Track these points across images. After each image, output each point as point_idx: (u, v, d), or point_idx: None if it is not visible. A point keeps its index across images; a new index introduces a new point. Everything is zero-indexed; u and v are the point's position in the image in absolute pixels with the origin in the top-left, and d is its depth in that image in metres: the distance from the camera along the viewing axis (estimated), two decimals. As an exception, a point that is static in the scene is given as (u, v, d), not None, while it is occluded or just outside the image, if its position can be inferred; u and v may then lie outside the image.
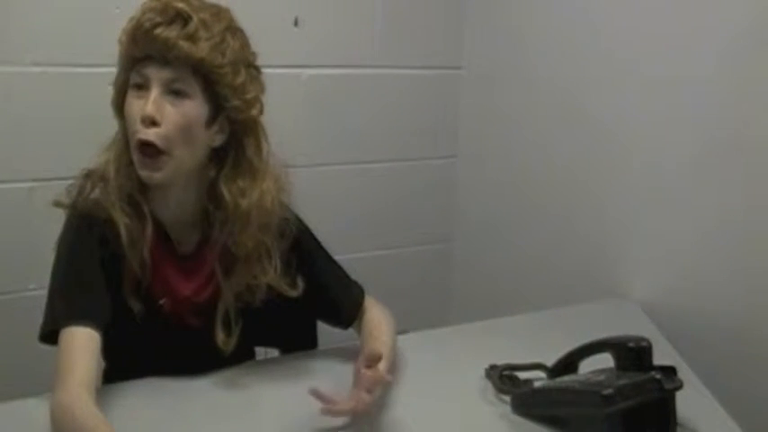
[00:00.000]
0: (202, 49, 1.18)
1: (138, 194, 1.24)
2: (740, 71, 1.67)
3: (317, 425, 1.19)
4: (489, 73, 2.24)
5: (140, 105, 1.19)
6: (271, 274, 1.29)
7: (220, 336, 1.27)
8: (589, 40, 1.96)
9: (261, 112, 1.27)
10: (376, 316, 1.41)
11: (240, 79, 1.22)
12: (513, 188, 2.19)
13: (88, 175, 1.26)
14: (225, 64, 1.20)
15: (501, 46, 2.19)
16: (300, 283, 1.31)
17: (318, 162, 2.09)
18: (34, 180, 1.75)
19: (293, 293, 1.31)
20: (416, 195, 2.30)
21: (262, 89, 1.27)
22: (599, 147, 1.96)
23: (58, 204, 1.26)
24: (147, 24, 1.17)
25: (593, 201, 1.99)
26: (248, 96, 1.24)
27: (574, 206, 2.03)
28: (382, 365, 1.21)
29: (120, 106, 1.24)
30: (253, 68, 1.26)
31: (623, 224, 1.93)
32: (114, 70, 1.73)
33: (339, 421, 1.18)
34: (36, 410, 1.12)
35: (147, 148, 1.19)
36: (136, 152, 1.20)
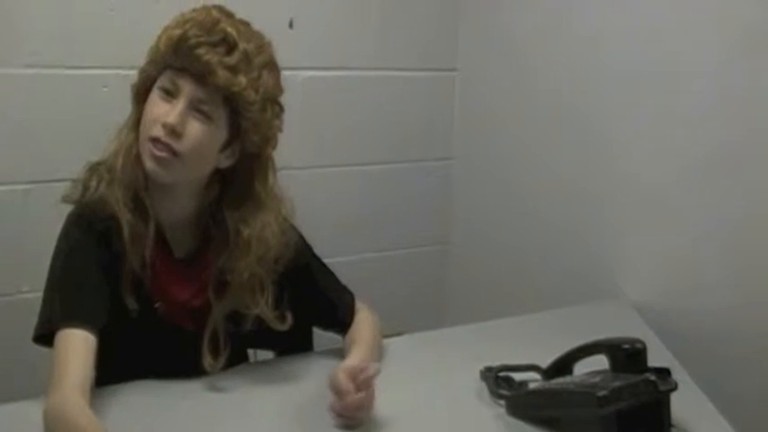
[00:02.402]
0: (239, 83, 1.18)
1: (144, 192, 1.24)
2: (739, 73, 1.67)
3: (312, 427, 1.19)
4: (484, 75, 2.24)
5: (165, 110, 1.19)
6: (261, 306, 1.29)
7: (207, 359, 1.27)
8: (584, 42, 1.96)
9: (275, 147, 1.28)
10: (361, 324, 1.41)
11: (266, 116, 1.23)
12: (509, 190, 2.20)
13: (94, 168, 1.26)
14: (256, 101, 1.20)
15: (496, 48, 2.20)
16: (289, 317, 1.32)
17: (314, 164, 2.09)
18: (29, 182, 1.75)
19: (281, 328, 1.31)
20: (412, 197, 2.30)
21: (280, 126, 1.28)
22: (594, 148, 1.97)
23: (66, 199, 1.26)
24: (193, 41, 1.17)
25: (588, 203, 1.99)
26: (269, 134, 1.25)
27: (569, 208, 2.03)
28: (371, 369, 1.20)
29: (140, 95, 1.24)
30: (278, 106, 1.27)
31: (618, 226, 1.93)
32: (109, 72, 1.75)
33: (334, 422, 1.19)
34: (30, 413, 1.12)
35: (160, 143, 1.19)
36: (147, 143, 1.20)
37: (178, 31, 1.18)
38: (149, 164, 1.20)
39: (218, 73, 1.17)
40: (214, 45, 1.18)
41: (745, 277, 1.69)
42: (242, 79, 1.18)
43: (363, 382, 1.17)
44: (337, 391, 1.19)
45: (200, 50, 1.17)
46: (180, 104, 1.19)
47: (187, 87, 1.19)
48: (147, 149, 1.20)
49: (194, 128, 1.19)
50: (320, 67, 2.07)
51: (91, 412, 1.08)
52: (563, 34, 2.01)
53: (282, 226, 1.31)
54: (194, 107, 1.19)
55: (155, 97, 1.21)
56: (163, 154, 1.19)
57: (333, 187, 2.15)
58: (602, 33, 1.92)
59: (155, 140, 1.19)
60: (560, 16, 2.02)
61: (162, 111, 1.19)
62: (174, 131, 1.18)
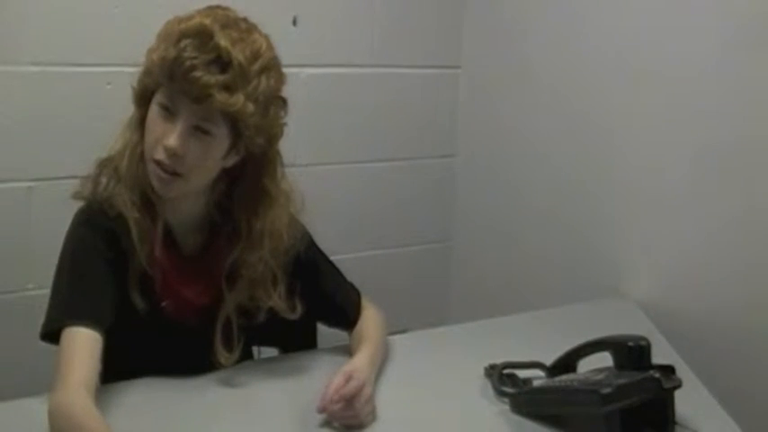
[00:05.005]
0: (237, 102, 1.16)
1: (151, 191, 1.24)
2: (741, 70, 1.67)
3: (316, 424, 1.19)
4: (487, 72, 2.24)
5: (165, 130, 1.18)
6: (274, 299, 1.30)
7: (222, 352, 1.27)
8: (587, 40, 1.96)
9: (281, 137, 1.27)
10: (367, 322, 1.42)
11: (268, 118, 1.22)
12: (512, 187, 2.20)
13: (103, 164, 1.26)
14: (255, 112, 1.19)
15: (499, 45, 2.19)
16: (299, 306, 1.32)
17: (317, 161, 2.09)
18: (33, 180, 1.75)
19: (292, 317, 1.32)
20: (415, 195, 2.31)
21: (285, 118, 1.27)
22: (597, 146, 1.97)
23: (77, 196, 1.26)
24: (187, 64, 1.15)
25: (591, 200, 1.99)
26: (272, 132, 1.25)
27: (572, 205, 2.03)
28: (353, 384, 1.21)
29: (141, 100, 1.23)
30: (280, 100, 1.25)
31: (622, 223, 1.93)
32: (113, 69, 1.75)
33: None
34: (35, 410, 1.12)
35: (163, 165, 1.19)
36: (151, 163, 1.20)
37: (173, 52, 1.16)
38: (155, 183, 1.21)
39: (216, 96, 1.15)
40: (208, 64, 1.15)
41: (750, 275, 1.68)
42: (239, 97, 1.17)
43: (343, 397, 1.19)
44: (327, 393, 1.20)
45: (196, 74, 1.15)
46: (179, 126, 1.18)
47: (185, 109, 1.18)
48: (152, 169, 1.21)
49: (195, 147, 1.19)
50: (324, 64, 2.07)
51: (96, 410, 1.08)
52: (566, 32, 2.01)
53: (290, 219, 1.31)
54: (194, 125, 1.19)
55: (154, 114, 1.20)
56: (166, 176, 1.20)
57: (336, 185, 2.15)
58: (605, 31, 1.92)
59: (158, 162, 1.19)
60: (563, 14, 2.02)
61: (162, 131, 1.19)
62: (176, 154, 1.18)
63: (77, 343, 1.14)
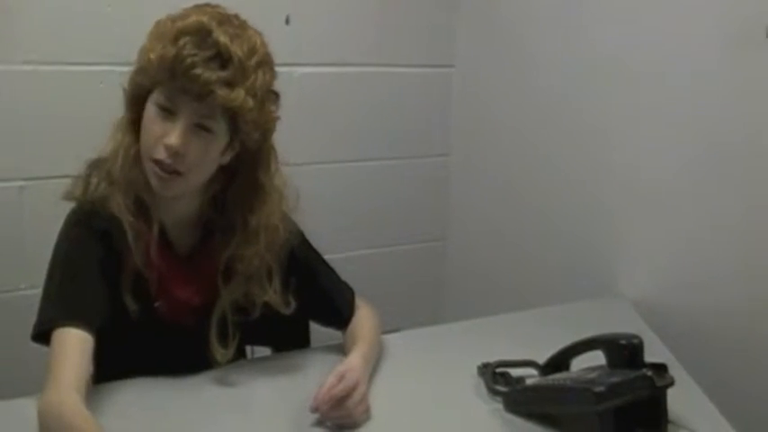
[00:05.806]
0: (238, 97, 1.17)
1: (145, 193, 1.24)
2: (741, 70, 1.67)
3: (309, 423, 1.19)
4: (481, 71, 2.24)
5: (164, 129, 1.18)
6: (269, 294, 1.30)
7: (218, 349, 1.27)
8: (582, 39, 1.96)
9: (275, 129, 1.28)
10: (362, 321, 1.42)
11: (264, 112, 1.22)
12: (506, 186, 2.20)
13: (94, 165, 1.26)
14: (254, 107, 1.19)
15: (493, 44, 2.20)
16: (293, 300, 1.32)
17: (310, 160, 2.09)
18: (25, 179, 1.75)
19: (286, 311, 1.32)
20: (409, 193, 2.31)
21: (277, 111, 1.27)
22: (591, 145, 1.97)
23: (68, 196, 1.25)
24: (188, 61, 1.14)
25: (585, 198, 1.99)
26: (267, 126, 1.25)
27: (566, 204, 2.03)
28: (344, 384, 1.21)
29: (134, 99, 1.23)
30: (273, 94, 1.26)
31: (615, 222, 1.93)
32: (106, 68, 1.75)
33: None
34: (26, 410, 1.11)
35: (164, 164, 1.19)
36: (150, 163, 1.20)
37: (172, 51, 1.15)
38: (155, 183, 1.21)
39: (217, 92, 1.15)
40: (208, 60, 1.15)
41: (744, 275, 1.69)
42: (240, 92, 1.17)
43: (334, 397, 1.19)
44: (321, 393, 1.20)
45: (197, 71, 1.15)
46: (180, 124, 1.18)
47: (186, 107, 1.17)
48: (150, 169, 1.20)
49: (196, 145, 1.19)
50: (317, 63, 2.07)
51: (87, 410, 1.07)
52: (560, 31, 2.01)
53: (283, 216, 1.31)
54: (195, 123, 1.18)
55: (152, 114, 1.20)
56: (166, 175, 1.19)
57: (329, 184, 2.15)
58: (600, 30, 1.92)
59: (158, 162, 1.19)
60: (558, 13, 2.02)
61: (162, 130, 1.18)
62: (178, 153, 1.18)
63: (68, 344, 1.13)
